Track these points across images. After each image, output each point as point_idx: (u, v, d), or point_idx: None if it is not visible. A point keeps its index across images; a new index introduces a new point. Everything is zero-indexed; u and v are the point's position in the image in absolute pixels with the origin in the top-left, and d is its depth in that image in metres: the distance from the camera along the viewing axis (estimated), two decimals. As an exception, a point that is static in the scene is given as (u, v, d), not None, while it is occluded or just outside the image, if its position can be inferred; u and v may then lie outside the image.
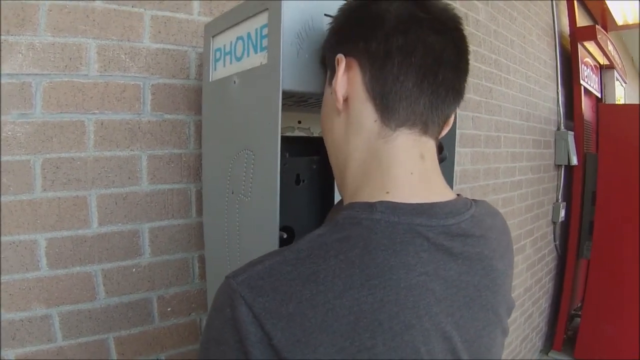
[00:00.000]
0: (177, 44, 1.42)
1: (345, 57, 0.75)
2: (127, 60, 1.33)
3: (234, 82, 1.04)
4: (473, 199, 0.79)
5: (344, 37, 0.78)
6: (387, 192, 0.69)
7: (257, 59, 0.97)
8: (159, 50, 1.38)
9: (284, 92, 0.89)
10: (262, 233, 0.96)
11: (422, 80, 0.70)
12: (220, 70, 1.14)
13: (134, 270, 1.37)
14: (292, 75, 0.90)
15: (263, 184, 0.94)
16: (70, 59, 1.24)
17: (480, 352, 0.70)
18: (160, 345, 1.44)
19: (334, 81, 0.76)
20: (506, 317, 0.79)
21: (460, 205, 0.73)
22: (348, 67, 0.75)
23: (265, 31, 0.95)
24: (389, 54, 0.70)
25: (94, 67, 1.28)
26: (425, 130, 0.73)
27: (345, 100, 0.76)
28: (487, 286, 0.72)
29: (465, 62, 0.76)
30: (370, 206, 0.66)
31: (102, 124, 1.29)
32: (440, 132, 0.78)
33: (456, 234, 0.69)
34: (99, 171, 1.30)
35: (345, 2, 0.84)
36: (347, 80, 0.75)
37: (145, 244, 1.39)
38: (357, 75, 0.74)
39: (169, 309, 1.45)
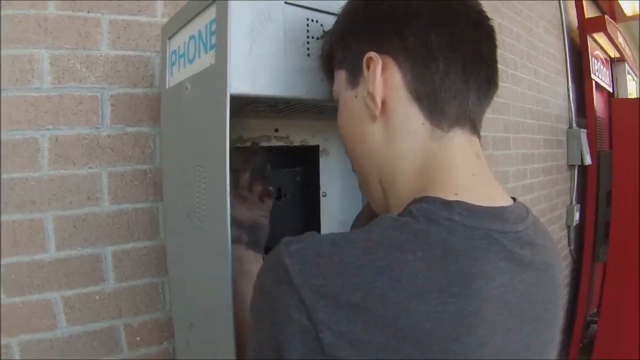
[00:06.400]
0: (139, 50, 1.30)
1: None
2: (83, 69, 1.22)
3: (187, 88, 0.92)
4: None
5: (369, 32, 0.71)
6: (456, 194, 0.62)
7: (207, 60, 0.85)
8: (119, 57, 1.27)
9: (237, 97, 0.77)
10: (213, 264, 0.84)
11: (469, 76, 0.67)
12: (175, 76, 1.02)
13: (97, 297, 1.26)
14: (243, 76, 0.78)
15: (213, 206, 0.82)
16: (21, 71, 1.15)
17: None
18: (131, 377, 1.32)
19: (369, 84, 0.69)
20: (560, 334, 0.76)
21: (522, 210, 0.68)
22: (383, 67, 0.68)
23: (214, 27, 0.82)
24: (431, 50, 0.65)
25: (47, 79, 1.18)
26: (473, 129, 0.70)
27: (382, 104, 0.69)
28: (551, 300, 0.67)
29: (497, 58, 0.72)
30: (448, 205, 0.59)
31: (57, 140, 1.19)
32: (480, 131, 0.74)
33: (525, 242, 0.63)
34: (55, 191, 1.19)
35: None
36: (383, 82, 0.68)
37: (108, 269, 1.27)
38: (395, 75, 0.68)
39: (138, 338, 1.33)
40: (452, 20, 0.66)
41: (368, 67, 0.68)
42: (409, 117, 0.68)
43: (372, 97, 0.68)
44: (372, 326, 0.48)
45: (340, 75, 0.76)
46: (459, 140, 0.68)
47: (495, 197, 0.66)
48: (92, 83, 1.23)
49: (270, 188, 1.16)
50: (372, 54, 0.68)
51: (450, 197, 0.61)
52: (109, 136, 1.26)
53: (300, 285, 0.50)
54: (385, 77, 0.68)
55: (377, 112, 0.69)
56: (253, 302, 0.58)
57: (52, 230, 1.19)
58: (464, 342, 0.51)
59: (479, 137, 0.72)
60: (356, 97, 0.72)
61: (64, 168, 1.20)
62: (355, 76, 0.72)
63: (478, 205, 0.61)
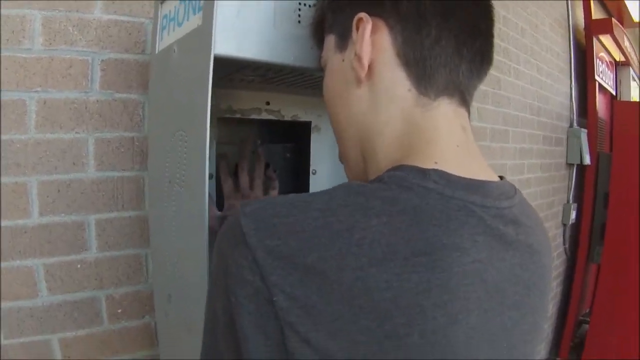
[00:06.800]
0: (132, 15, 1.27)
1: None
2: (75, 32, 1.19)
3: (174, 51, 0.89)
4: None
5: None
6: (436, 162, 0.59)
7: (194, 22, 0.82)
8: (111, 22, 1.24)
9: (223, 59, 0.75)
10: (190, 232, 0.81)
11: (462, 46, 0.64)
12: (165, 39, 0.99)
13: (79, 266, 1.24)
14: (229, 38, 0.75)
15: (194, 172, 0.80)
16: (13, 31, 1.12)
17: None
18: (111, 349, 1.30)
19: (357, 45, 0.66)
20: (545, 324, 0.71)
21: (508, 188, 0.65)
22: (373, 29, 0.65)
23: (205, -12, 0.79)
24: (424, 15, 0.63)
25: (38, 41, 1.15)
26: (462, 101, 0.67)
27: (368, 67, 0.66)
28: (536, 284, 0.63)
29: (493, 33, 0.69)
30: (423, 172, 0.56)
31: (44, 103, 1.16)
32: (471, 105, 0.71)
33: (509, 220, 0.60)
34: (41, 155, 1.17)
35: None
36: (372, 45, 0.65)
37: (91, 238, 1.25)
38: (384, 38, 0.65)
39: (119, 310, 1.31)
40: None
41: (357, 28, 0.66)
42: (395, 82, 0.65)
43: (359, 59, 0.65)
44: (328, 292, 0.46)
45: (330, 40, 0.74)
46: (445, 109, 0.65)
47: (479, 171, 0.62)
48: (83, 47, 1.20)
49: (275, 178, 1.15)
50: (362, 14, 0.65)
51: (429, 166, 0.58)
52: (97, 101, 1.23)
53: (254, 245, 0.48)
54: (374, 39, 0.65)
55: (363, 74, 0.66)
56: (212, 266, 0.55)
57: (35, 194, 1.17)
58: (431, 315, 0.48)
59: (469, 110, 0.69)
60: (343, 60, 0.69)
61: (50, 132, 1.17)
62: (344, 39, 0.69)
63: (458, 176, 0.57)
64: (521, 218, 0.62)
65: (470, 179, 0.58)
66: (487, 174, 0.63)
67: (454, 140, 0.64)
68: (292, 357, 0.45)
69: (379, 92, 0.66)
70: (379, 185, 0.55)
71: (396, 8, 0.63)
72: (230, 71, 0.89)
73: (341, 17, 0.69)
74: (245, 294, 0.47)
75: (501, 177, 0.67)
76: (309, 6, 0.86)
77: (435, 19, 0.62)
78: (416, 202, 0.52)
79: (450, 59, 0.63)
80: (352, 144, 0.71)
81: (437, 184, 0.55)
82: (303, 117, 1.22)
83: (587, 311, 4.51)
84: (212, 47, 0.72)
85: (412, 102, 0.64)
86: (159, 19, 1.03)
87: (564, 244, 4.24)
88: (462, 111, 0.67)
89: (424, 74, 0.64)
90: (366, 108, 0.68)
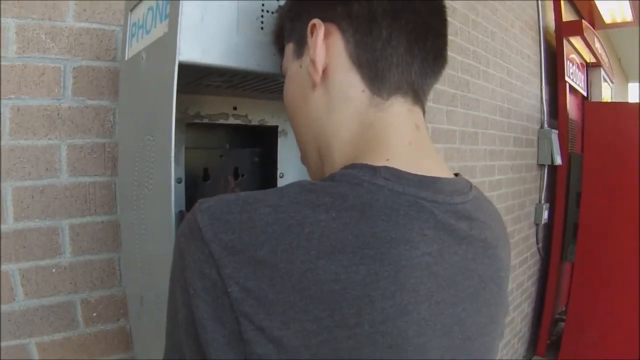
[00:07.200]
0: (104, 23, 1.29)
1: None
2: (48, 40, 1.21)
3: (142, 58, 0.92)
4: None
5: (315, 1, 0.70)
6: (387, 160, 0.61)
7: (161, 29, 0.85)
8: (83, 30, 1.26)
9: (188, 66, 0.78)
10: (158, 234, 0.84)
11: (413, 45, 0.65)
12: (134, 47, 1.02)
13: (54, 270, 1.25)
14: (193, 45, 0.78)
15: (160, 175, 0.82)
16: None
17: (479, 353, 0.63)
18: (87, 352, 1.31)
19: (311, 51, 0.67)
20: (504, 317, 0.73)
21: (463, 184, 0.66)
22: (326, 34, 0.67)
23: (171, -4, 0.82)
24: (374, 17, 0.64)
25: (12, 49, 1.16)
26: (416, 100, 0.68)
27: (323, 71, 0.68)
28: (492, 278, 0.65)
29: (447, 32, 0.71)
30: (373, 169, 0.58)
31: (18, 110, 1.17)
32: (425, 103, 0.72)
33: (462, 215, 0.61)
34: (15, 162, 1.18)
35: None
36: (326, 49, 0.67)
37: (65, 242, 1.26)
38: (337, 42, 0.67)
39: (94, 314, 1.32)
40: None
41: (312, 34, 0.67)
42: (349, 84, 0.66)
43: (314, 63, 0.67)
44: (279, 284, 0.48)
45: (289, 48, 0.76)
46: (398, 109, 0.66)
47: (431, 168, 0.64)
48: (55, 54, 1.22)
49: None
50: (315, 20, 0.67)
51: (380, 163, 0.59)
52: (69, 108, 1.24)
53: (210, 240, 0.50)
54: (327, 44, 0.67)
55: (318, 78, 0.67)
56: (172, 262, 0.57)
57: (10, 200, 1.18)
58: (379, 306, 0.50)
59: (423, 109, 0.71)
60: (301, 66, 0.71)
61: (24, 138, 1.19)
62: (301, 46, 0.71)
63: (408, 172, 0.59)
64: (475, 214, 0.64)
65: (422, 176, 0.60)
66: (440, 171, 0.65)
67: (406, 138, 0.65)
68: (248, 346, 0.47)
69: (333, 95, 0.68)
70: (330, 183, 0.56)
71: (347, 11, 0.65)
72: (197, 77, 0.92)
73: (298, 24, 0.72)
74: (203, 286, 0.49)
75: (456, 174, 0.70)
76: (272, 13, 0.89)
77: (385, 20, 0.64)
78: (366, 198, 0.54)
79: (402, 59, 0.65)
80: (311, 146, 0.73)
81: (388, 180, 0.56)
82: (270, 122, 1.24)
83: (563, 309, 4.56)
84: (177, 53, 0.75)
85: (366, 103, 0.66)
86: (128, 27, 1.05)
87: (537, 243, 4.29)
88: (417, 109, 0.69)
89: (377, 75, 0.65)
90: (322, 111, 0.69)
